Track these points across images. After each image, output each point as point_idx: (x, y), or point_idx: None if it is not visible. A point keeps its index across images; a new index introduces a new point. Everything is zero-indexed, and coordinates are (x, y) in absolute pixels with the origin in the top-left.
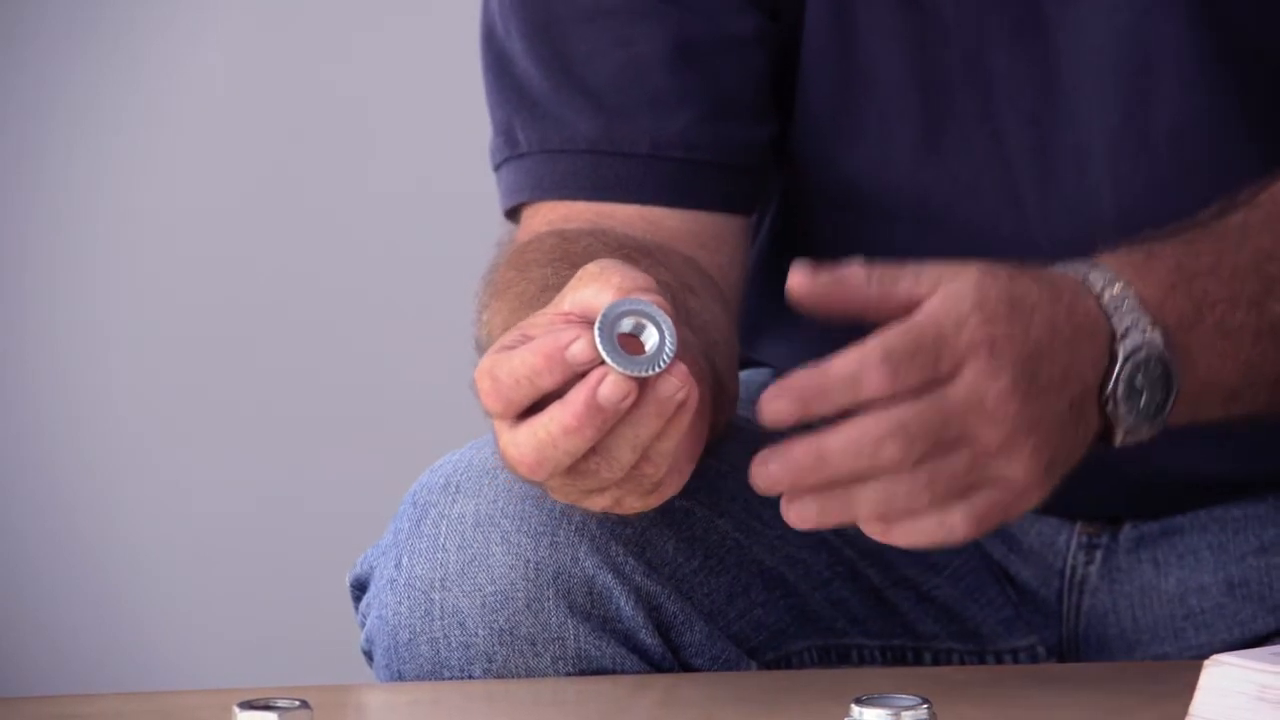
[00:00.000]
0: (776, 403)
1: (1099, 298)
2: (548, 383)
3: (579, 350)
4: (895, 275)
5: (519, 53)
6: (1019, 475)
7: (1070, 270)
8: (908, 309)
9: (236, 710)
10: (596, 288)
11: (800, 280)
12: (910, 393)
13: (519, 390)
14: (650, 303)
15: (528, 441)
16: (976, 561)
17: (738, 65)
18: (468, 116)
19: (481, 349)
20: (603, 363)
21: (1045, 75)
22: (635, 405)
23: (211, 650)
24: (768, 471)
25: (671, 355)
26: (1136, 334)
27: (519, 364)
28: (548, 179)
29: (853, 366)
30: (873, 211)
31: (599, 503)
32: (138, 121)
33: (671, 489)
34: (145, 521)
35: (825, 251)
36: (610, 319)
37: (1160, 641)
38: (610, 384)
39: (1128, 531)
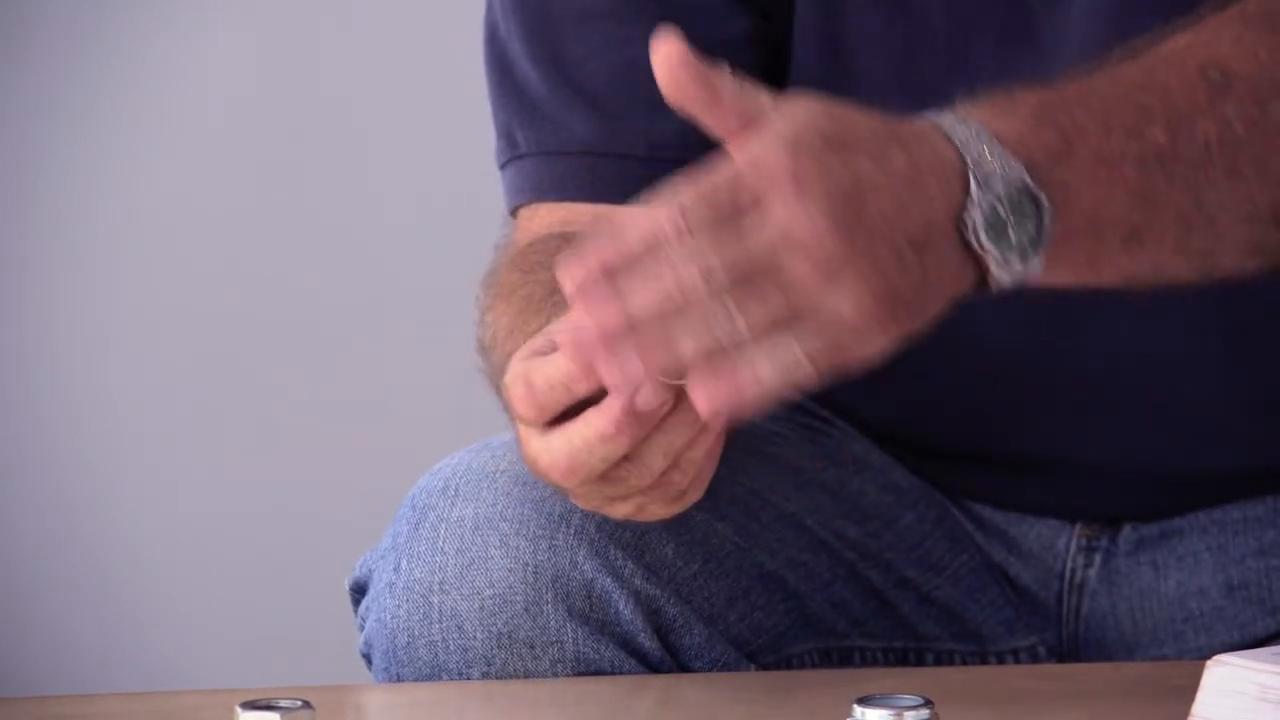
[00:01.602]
0: (571, 266)
1: (949, 137)
2: (583, 389)
3: None
4: (752, 96)
5: (519, 55)
6: (848, 310)
7: (921, 116)
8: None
9: (239, 710)
10: None
11: (670, 53)
12: (708, 228)
13: (553, 396)
14: None
15: (562, 448)
16: (977, 562)
17: (731, 66)
18: (470, 119)
19: (484, 350)
20: None
21: (1032, 80)
22: (670, 412)
23: (212, 651)
24: (571, 337)
25: None
26: (992, 164)
27: (554, 370)
28: (546, 181)
29: (641, 209)
30: None
31: (622, 509)
32: (137, 122)
33: (694, 497)
34: (145, 522)
35: None
36: None
37: (1160, 644)
38: (649, 390)
39: (1127, 534)
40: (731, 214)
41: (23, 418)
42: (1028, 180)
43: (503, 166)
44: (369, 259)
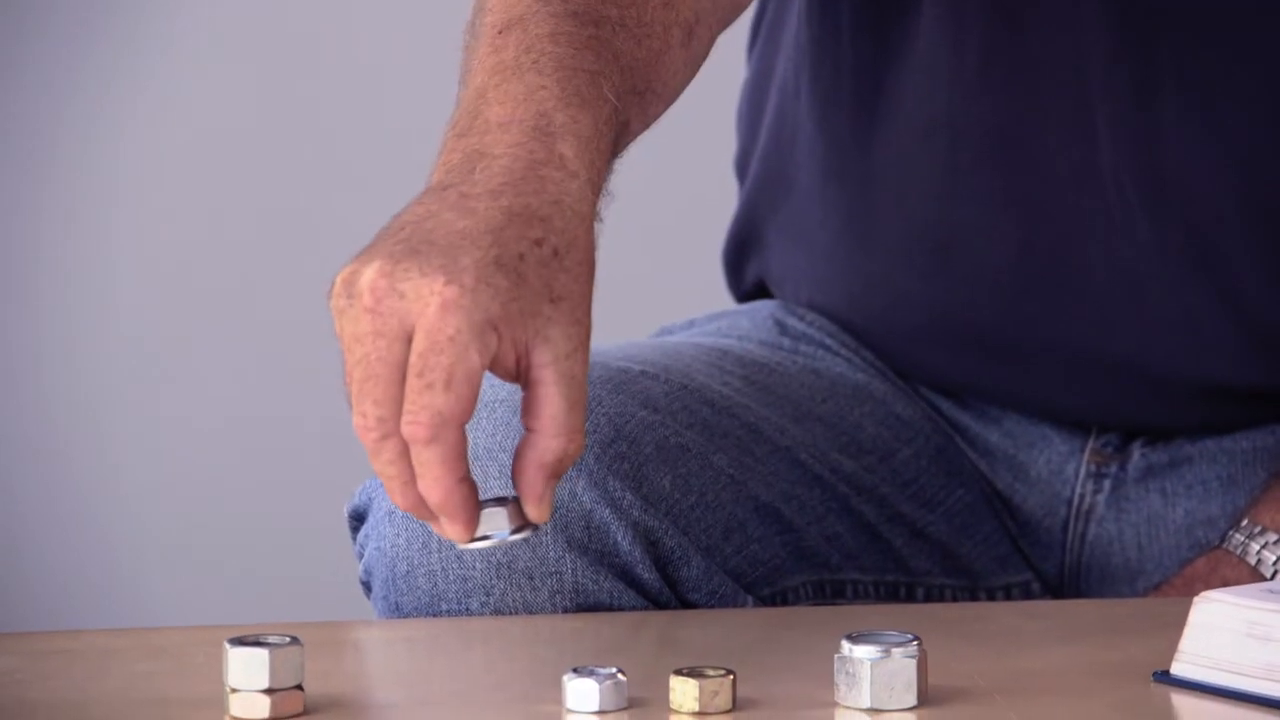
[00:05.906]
0: None
1: None
2: None
3: None
4: None
5: None
6: None
7: None
8: None
9: (227, 646)
10: None
11: None
12: None
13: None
14: None
15: None
16: (974, 497)
17: None
18: None
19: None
20: None
21: (1128, 8)
22: None
23: (204, 586)
24: None
25: None
26: None
27: None
28: None
29: None
30: (939, 136)
31: None
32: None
33: None
34: (134, 457)
35: (892, 184)
36: None
37: (1164, 571)
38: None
39: (1136, 461)
40: None
41: (11, 353)
42: None
43: None
44: (360, 182)
